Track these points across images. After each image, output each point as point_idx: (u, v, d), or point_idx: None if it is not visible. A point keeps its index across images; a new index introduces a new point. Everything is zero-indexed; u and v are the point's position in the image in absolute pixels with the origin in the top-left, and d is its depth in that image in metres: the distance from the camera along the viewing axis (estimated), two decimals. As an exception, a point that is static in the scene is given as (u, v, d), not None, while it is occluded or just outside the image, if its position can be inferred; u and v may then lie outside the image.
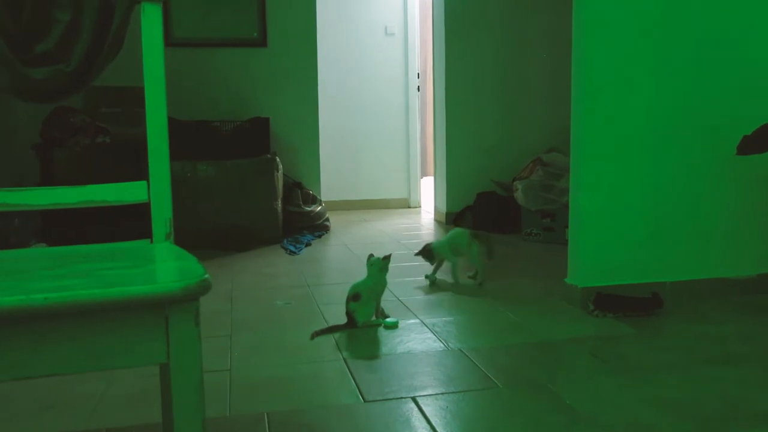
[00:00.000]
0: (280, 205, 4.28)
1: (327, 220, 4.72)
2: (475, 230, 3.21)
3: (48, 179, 3.80)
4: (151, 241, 1.21)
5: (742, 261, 2.78)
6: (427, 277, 3.14)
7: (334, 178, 5.87)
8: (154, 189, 1.21)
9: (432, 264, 3.15)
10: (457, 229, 3.21)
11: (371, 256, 2.52)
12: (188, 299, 0.84)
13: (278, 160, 4.30)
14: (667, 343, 2.22)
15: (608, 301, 2.51)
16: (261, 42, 4.81)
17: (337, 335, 2.34)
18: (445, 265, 3.18)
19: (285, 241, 4.17)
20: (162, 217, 1.20)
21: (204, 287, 0.85)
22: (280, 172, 4.32)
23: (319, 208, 4.69)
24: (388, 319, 2.46)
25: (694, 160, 2.69)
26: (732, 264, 2.77)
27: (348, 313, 2.40)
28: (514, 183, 4.26)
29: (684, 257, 2.72)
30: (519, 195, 4.17)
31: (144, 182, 1.21)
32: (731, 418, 1.65)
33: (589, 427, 1.60)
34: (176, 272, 0.97)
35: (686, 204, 2.70)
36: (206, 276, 0.87)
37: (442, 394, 1.82)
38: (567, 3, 2.74)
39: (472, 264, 3.12)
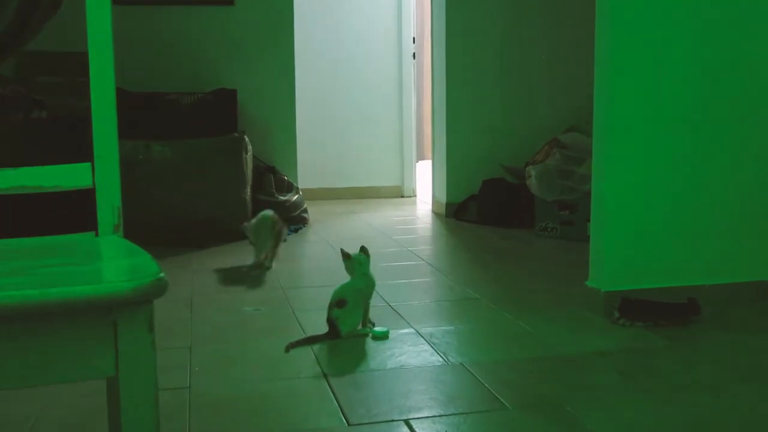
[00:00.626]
0: (249, 194, 4.28)
1: (305, 211, 4.73)
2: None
3: (-28, 161, 3.78)
4: (97, 234, 1.21)
5: (792, 261, 2.80)
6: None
7: (314, 162, 5.87)
8: (100, 172, 1.21)
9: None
10: (265, 212, 3.57)
11: (347, 255, 2.50)
12: (140, 302, 0.85)
13: (247, 139, 4.30)
14: (704, 357, 2.24)
15: (636, 308, 2.53)
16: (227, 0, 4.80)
17: (316, 347, 2.34)
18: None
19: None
20: (109, 205, 1.20)
21: (159, 288, 0.86)
22: (250, 154, 4.32)
23: (296, 197, 4.69)
24: (376, 329, 2.46)
25: (738, 145, 2.70)
26: (781, 265, 2.80)
27: (330, 321, 2.40)
28: (527, 168, 4.28)
29: (725, 257, 2.74)
30: (532, 182, 4.19)
31: (88, 164, 1.21)
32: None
33: (613, 455, 1.62)
34: (126, 270, 0.97)
35: (727, 196, 2.72)
36: (161, 275, 0.87)
37: (440, 416, 1.83)
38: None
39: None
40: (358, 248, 2.51)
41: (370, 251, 2.53)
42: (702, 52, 2.64)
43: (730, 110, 2.68)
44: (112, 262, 1.03)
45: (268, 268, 3.43)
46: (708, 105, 2.67)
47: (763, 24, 2.67)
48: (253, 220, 3.60)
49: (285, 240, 3.63)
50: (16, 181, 1.21)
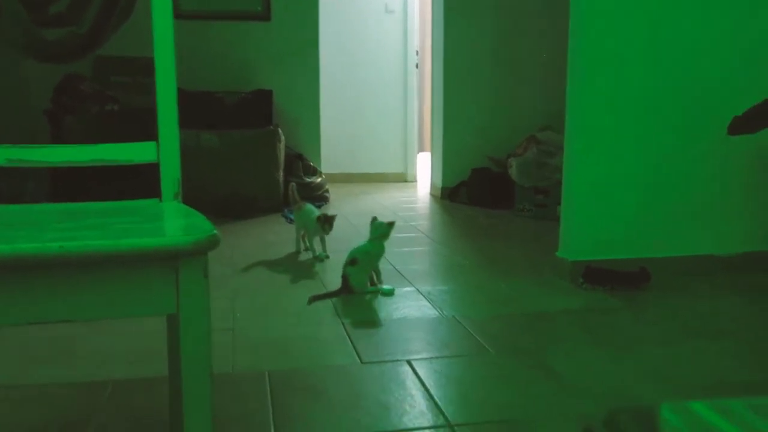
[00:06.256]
0: (281, 176, 4.27)
1: (327, 191, 4.71)
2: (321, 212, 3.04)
3: (58, 144, 3.77)
4: (161, 200, 1.20)
5: (728, 239, 2.78)
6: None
7: (334, 151, 5.85)
8: (163, 149, 1.20)
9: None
10: (311, 207, 3.09)
11: (375, 219, 2.50)
12: (197, 252, 0.84)
13: (280, 131, 4.28)
14: (653, 317, 2.23)
15: (598, 275, 2.52)
16: (265, 16, 4.76)
17: (335, 301, 2.34)
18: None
19: (286, 210, 4.16)
20: (170, 177, 1.19)
21: (212, 242, 0.85)
22: (282, 143, 4.30)
23: (320, 179, 4.68)
24: (384, 286, 2.46)
25: (685, 138, 2.68)
26: (718, 242, 2.77)
27: (344, 277, 2.40)
28: (509, 160, 4.25)
29: (672, 234, 2.73)
30: (513, 171, 4.17)
31: (153, 143, 1.20)
32: (713, 387, 1.66)
33: (576, 394, 1.61)
34: (185, 227, 0.96)
35: (676, 182, 2.70)
36: (215, 231, 0.86)
37: (435, 358, 1.83)
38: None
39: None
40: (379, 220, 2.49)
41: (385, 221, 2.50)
42: (658, 66, 2.61)
43: (681, 112, 2.66)
44: (173, 221, 1.02)
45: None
46: (661, 108, 2.64)
47: (710, 38, 2.64)
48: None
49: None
50: (96, 155, 1.20)
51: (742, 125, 2.42)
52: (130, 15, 1.29)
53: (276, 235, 3.50)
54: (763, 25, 2.68)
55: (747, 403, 0.44)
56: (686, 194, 2.72)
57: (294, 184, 3.24)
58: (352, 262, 2.40)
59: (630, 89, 2.61)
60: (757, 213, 2.80)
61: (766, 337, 2.03)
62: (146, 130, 1.34)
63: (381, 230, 2.46)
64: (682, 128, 2.67)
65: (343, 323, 2.10)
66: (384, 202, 4.85)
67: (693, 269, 2.73)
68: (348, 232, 3.51)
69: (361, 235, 2.54)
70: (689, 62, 2.64)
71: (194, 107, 4.15)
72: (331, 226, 2.92)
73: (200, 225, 0.91)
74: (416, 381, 1.67)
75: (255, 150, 4.12)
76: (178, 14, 4.45)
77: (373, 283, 2.46)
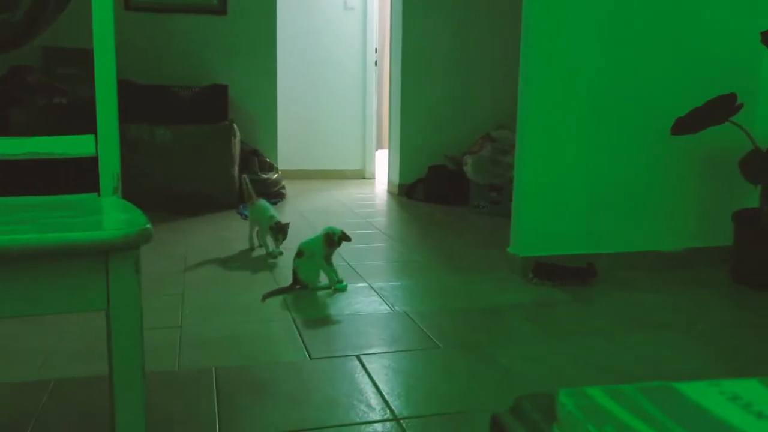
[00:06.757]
0: (237, 172, 4.22)
1: (283, 187, 4.68)
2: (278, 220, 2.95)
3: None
4: (99, 195, 1.18)
5: (672, 236, 2.85)
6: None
7: (292, 148, 5.81)
8: (102, 143, 1.17)
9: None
10: (264, 204, 3.05)
11: (335, 230, 2.45)
12: (128, 247, 0.82)
13: (236, 126, 4.23)
14: (599, 310, 2.27)
15: (546, 270, 2.56)
16: (221, 9, 4.70)
17: (287, 297, 2.33)
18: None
19: (241, 206, 4.12)
20: (109, 171, 1.17)
21: (144, 236, 0.83)
22: (238, 138, 4.25)
23: (276, 176, 4.64)
24: (337, 283, 2.45)
25: (634, 137, 2.74)
26: (663, 238, 2.84)
27: (293, 270, 2.40)
28: (465, 157, 4.29)
29: (619, 230, 2.78)
30: (469, 169, 4.20)
31: (92, 136, 1.18)
32: (653, 377, 1.70)
33: (521, 385, 1.64)
34: (119, 222, 0.94)
35: (623, 180, 2.76)
36: (147, 226, 0.85)
37: (385, 353, 1.83)
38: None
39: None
40: (327, 222, 2.49)
41: (336, 222, 2.51)
42: (606, 68, 2.66)
43: (629, 113, 2.71)
44: (108, 216, 1.00)
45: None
46: (610, 109, 2.69)
47: (656, 44, 2.70)
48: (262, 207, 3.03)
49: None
50: (32, 148, 1.18)
51: (684, 126, 2.48)
52: (67, 5, 1.25)
53: (230, 232, 3.47)
54: (704, 33, 2.75)
55: (638, 387, 0.46)
56: (634, 191, 2.78)
57: (246, 176, 3.21)
58: (298, 254, 2.41)
59: (579, 90, 2.65)
60: (700, 210, 2.88)
61: (702, 328, 2.09)
62: (95, 124, 1.32)
63: (330, 230, 2.44)
64: (629, 129, 2.73)
65: (293, 319, 2.10)
66: (341, 198, 4.84)
67: (639, 264, 2.79)
68: (303, 229, 3.49)
69: (317, 231, 2.53)
70: (637, 65, 2.70)
71: (148, 101, 4.08)
72: (285, 235, 2.92)
73: (134, 220, 0.90)
74: (365, 376, 1.67)
75: (209, 145, 4.07)
76: (131, 6, 4.43)
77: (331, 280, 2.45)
